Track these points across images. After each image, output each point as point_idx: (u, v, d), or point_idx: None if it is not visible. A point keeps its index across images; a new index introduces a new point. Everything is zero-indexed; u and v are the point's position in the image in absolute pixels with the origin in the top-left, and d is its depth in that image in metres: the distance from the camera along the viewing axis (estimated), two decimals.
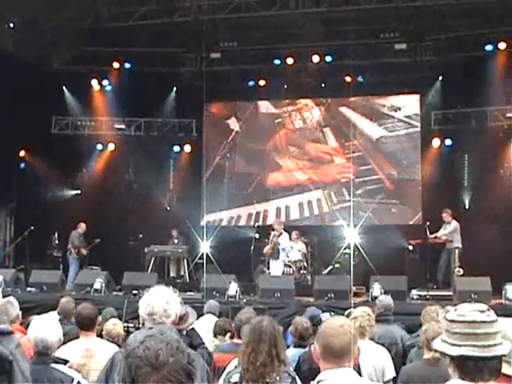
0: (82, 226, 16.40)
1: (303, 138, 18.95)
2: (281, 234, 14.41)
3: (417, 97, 18.05)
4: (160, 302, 3.73)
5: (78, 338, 5.31)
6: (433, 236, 14.20)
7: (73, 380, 4.22)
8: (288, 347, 6.00)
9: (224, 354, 5.53)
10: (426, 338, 4.92)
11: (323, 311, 7.55)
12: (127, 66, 18.17)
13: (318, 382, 2.95)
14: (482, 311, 2.35)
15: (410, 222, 17.42)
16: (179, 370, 1.84)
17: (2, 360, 3.27)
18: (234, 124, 19.43)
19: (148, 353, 1.84)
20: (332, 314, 5.56)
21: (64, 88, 18.34)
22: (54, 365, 4.30)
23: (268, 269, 14.63)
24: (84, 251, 16.35)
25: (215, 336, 6.87)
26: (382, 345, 5.94)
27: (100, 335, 6.10)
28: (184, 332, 4.67)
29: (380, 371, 5.41)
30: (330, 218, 18.28)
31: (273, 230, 15.00)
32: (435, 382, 2.56)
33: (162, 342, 1.87)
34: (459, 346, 2.30)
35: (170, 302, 3.75)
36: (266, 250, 14.51)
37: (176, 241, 17.16)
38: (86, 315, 5.39)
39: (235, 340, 5.88)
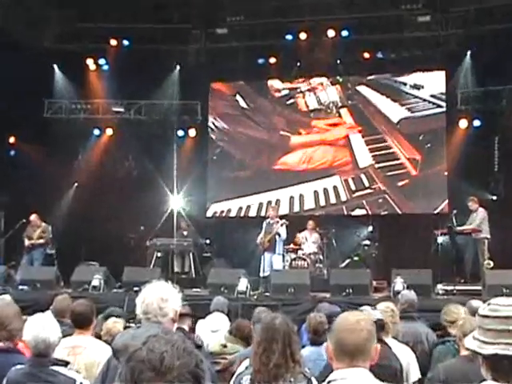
0: (32, 217, 15.95)
1: (317, 119, 18.88)
2: (277, 222, 14.38)
3: (442, 74, 17.92)
4: (155, 299, 3.70)
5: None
6: (461, 229, 14.14)
7: (75, 382, 4.19)
8: (303, 347, 5.99)
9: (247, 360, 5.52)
10: (462, 333, 4.88)
11: (341, 307, 7.52)
12: (126, 43, 18.14)
13: (329, 382, 2.91)
14: None
15: (436, 211, 17.33)
16: (186, 374, 1.78)
17: None
18: (242, 105, 19.39)
19: (152, 356, 1.79)
20: (373, 307, 5.51)
21: (56, 68, 18.33)
22: (53, 367, 4.27)
23: (260, 265, 14.51)
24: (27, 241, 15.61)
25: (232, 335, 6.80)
26: (406, 344, 5.92)
27: (99, 336, 6.09)
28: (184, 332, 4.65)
29: (404, 373, 5.38)
30: (347, 207, 18.22)
31: (264, 217, 15.01)
32: (475, 380, 2.51)
33: (168, 343, 1.82)
34: (492, 343, 2.25)
35: (166, 299, 3.71)
36: (262, 240, 14.40)
37: (185, 232, 17.17)
38: (80, 312, 5.39)
39: None
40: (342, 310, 6.98)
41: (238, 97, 19.40)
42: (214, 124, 19.48)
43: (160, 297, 3.69)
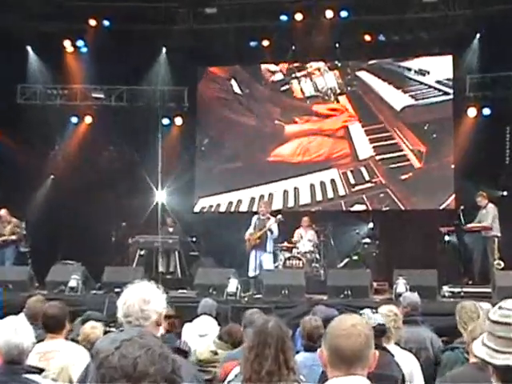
0: (1, 212, 15.73)
1: (314, 107, 18.87)
2: (268, 218, 14.41)
3: (449, 58, 17.92)
4: (136, 300, 3.67)
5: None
6: (470, 226, 14.17)
7: None
8: (297, 352, 5.99)
9: (234, 362, 5.52)
10: (472, 338, 4.88)
11: (339, 311, 7.53)
12: (106, 23, 18.04)
13: None
14: None
15: (441, 207, 17.37)
16: (162, 380, 1.79)
17: None
18: (236, 90, 19.35)
19: (124, 361, 1.78)
20: (374, 311, 5.50)
21: (30, 50, 18.24)
22: (27, 375, 4.22)
23: (249, 263, 14.53)
24: None
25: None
26: (409, 350, 5.93)
27: (76, 341, 6.09)
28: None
29: (407, 382, 5.39)
30: (346, 202, 18.24)
31: (255, 213, 15.01)
32: None
33: (142, 347, 1.82)
34: (503, 352, 2.21)
35: (149, 301, 3.69)
36: (251, 237, 14.40)
37: (171, 229, 17.16)
38: (52, 315, 5.37)
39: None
40: (340, 314, 6.99)
41: (232, 81, 19.37)
42: (203, 111, 19.42)
43: (142, 298, 3.66)
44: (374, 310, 7.52)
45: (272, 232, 14.30)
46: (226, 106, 19.39)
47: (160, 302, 3.74)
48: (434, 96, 18.01)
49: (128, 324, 3.63)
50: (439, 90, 17.99)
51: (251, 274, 14.30)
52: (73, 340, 6.10)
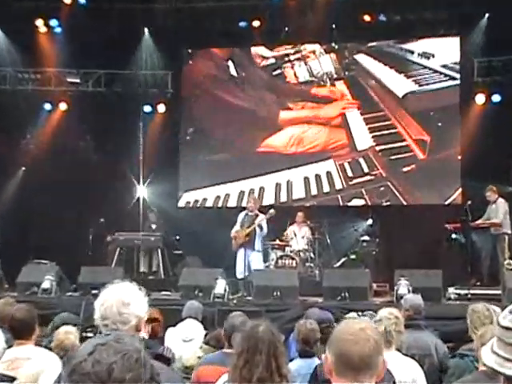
0: None
1: (309, 93, 18.86)
2: (257, 215, 14.41)
3: (456, 40, 17.93)
4: (114, 302, 3.63)
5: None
6: (478, 222, 14.19)
7: None
8: (291, 360, 5.98)
9: (210, 367, 5.51)
10: (482, 344, 4.87)
11: (333, 314, 7.54)
12: (82, 1, 17.98)
13: None
14: None
15: (447, 202, 17.40)
16: None
17: None
18: (230, 73, 19.32)
19: (98, 368, 1.79)
20: (361, 314, 5.51)
21: None
22: None
23: (236, 264, 14.51)
24: None
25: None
26: (412, 357, 5.93)
27: (49, 348, 6.06)
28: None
29: None
30: (343, 197, 18.24)
31: (243, 208, 15.01)
32: None
33: (118, 352, 1.82)
34: None
35: (128, 303, 3.65)
36: (238, 234, 14.41)
37: (153, 226, 17.15)
38: (19, 318, 5.35)
39: (225, 349, 5.86)
40: (336, 318, 6.98)
41: (222, 63, 19.32)
42: (188, 97, 19.38)
43: (121, 300, 3.61)
44: (360, 313, 7.53)
45: (261, 228, 14.28)
46: (213, 91, 19.33)
47: (141, 305, 3.70)
48: (439, 81, 18.02)
49: (104, 328, 3.61)
50: (445, 75, 17.99)
51: (239, 275, 14.28)
52: (46, 347, 6.07)
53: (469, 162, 17.07)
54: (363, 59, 18.61)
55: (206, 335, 7.12)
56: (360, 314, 5.45)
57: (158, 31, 18.38)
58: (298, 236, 15.66)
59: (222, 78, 19.35)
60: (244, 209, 15.16)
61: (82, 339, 7.64)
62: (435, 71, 18.06)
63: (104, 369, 1.77)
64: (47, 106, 19.03)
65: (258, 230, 14.30)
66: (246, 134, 19.11)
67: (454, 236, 14.67)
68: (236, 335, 4.90)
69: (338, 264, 16.07)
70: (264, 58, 19.24)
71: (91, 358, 1.80)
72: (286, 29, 18.47)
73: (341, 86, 18.73)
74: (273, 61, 19.23)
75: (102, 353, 1.81)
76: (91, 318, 3.88)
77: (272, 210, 14.57)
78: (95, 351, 1.82)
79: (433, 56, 18.09)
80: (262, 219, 14.28)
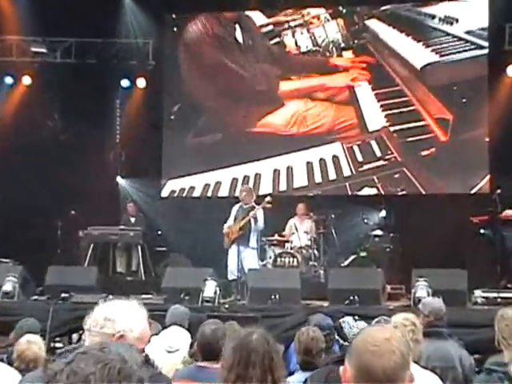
0: None
1: (312, 65, 18.84)
2: (253, 207, 14.38)
3: (483, 2, 17.91)
4: (99, 315, 3.80)
5: None
6: (509, 214, 14.18)
7: None
8: (291, 373, 5.97)
9: (181, 383, 5.52)
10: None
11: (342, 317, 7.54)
12: None
13: None
14: None
15: (473, 190, 17.40)
16: None
17: None
18: (217, 41, 19.27)
19: (74, 379, 1.80)
20: (356, 318, 5.52)
21: None
22: None
23: (227, 263, 14.55)
24: None
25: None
26: (433, 370, 5.90)
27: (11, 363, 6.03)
28: None
29: None
30: (352, 185, 18.24)
31: (237, 201, 14.99)
32: None
33: (98, 362, 1.83)
34: None
35: (110, 318, 3.80)
36: (231, 229, 14.38)
37: (133, 219, 17.15)
38: None
39: (200, 363, 5.86)
40: (338, 325, 6.95)
41: (214, 29, 19.26)
42: (172, 69, 19.30)
43: (105, 314, 3.81)
44: (356, 317, 7.52)
45: (256, 221, 14.22)
46: (207, 58, 19.20)
47: (125, 321, 3.87)
48: (464, 50, 17.97)
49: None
50: (471, 43, 17.94)
51: (230, 276, 14.28)
52: (8, 358, 6.06)
53: (498, 144, 17.07)
54: (375, 25, 18.59)
55: (191, 345, 7.09)
56: (357, 318, 5.43)
57: None
58: (300, 230, 15.66)
59: (214, 45, 19.22)
60: (239, 200, 15.12)
61: (50, 350, 7.62)
62: (459, 39, 18.01)
63: (80, 381, 1.79)
64: (8, 80, 19.00)
65: (252, 222, 14.27)
66: (240, 110, 19.06)
67: (481, 230, 14.65)
68: (226, 345, 4.87)
69: (346, 263, 16.07)
70: (260, 25, 19.17)
71: (68, 368, 1.82)
72: None
73: (349, 56, 18.70)
74: (270, 28, 19.16)
75: (79, 363, 1.82)
76: (61, 325, 3.94)
77: (268, 198, 14.56)
78: (73, 361, 1.83)
79: (456, 21, 18.06)
80: (256, 210, 14.25)
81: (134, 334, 3.88)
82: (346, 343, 8.29)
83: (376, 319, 7.22)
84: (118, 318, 3.82)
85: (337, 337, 8.36)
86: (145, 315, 4.00)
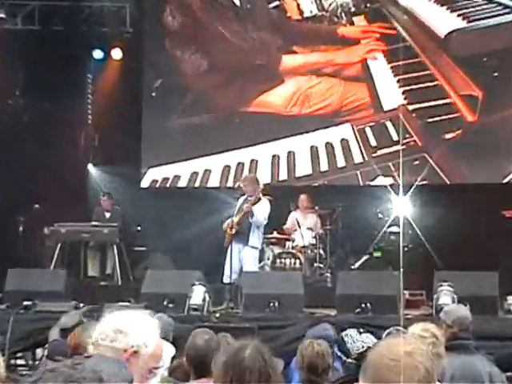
0: None
1: (317, 33, 18.84)
2: (259, 199, 14.23)
3: None
4: (108, 326, 3.93)
5: None
6: None
7: None
8: None
9: None
10: None
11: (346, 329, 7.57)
12: None
13: None
14: None
15: (505, 180, 17.41)
16: None
17: None
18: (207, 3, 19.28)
19: None
20: (362, 330, 5.53)
21: None
22: None
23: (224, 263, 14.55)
24: None
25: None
26: None
27: None
28: None
29: None
30: (364, 174, 18.25)
31: (242, 193, 14.93)
32: None
33: (67, 381, 1.85)
34: None
35: (122, 331, 3.92)
36: (228, 225, 14.37)
37: (107, 214, 17.15)
38: None
39: (192, 381, 5.89)
40: (340, 339, 6.95)
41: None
42: (153, 37, 19.27)
43: (115, 326, 3.91)
44: (361, 330, 7.54)
45: (252, 215, 14.09)
46: (183, 36, 19.20)
47: (140, 335, 3.96)
48: (496, 15, 17.97)
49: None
50: (504, 6, 17.94)
51: (226, 279, 14.25)
52: None
53: None
54: None
55: (173, 358, 7.10)
56: (362, 331, 5.44)
57: None
58: (303, 227, 15.68)
59: (206, 9, 19.15)
60: (242, 194, 14.88)
61: (9, 367, 7.61)
62: (490, 1, 18.01)
63: None
64: None
65: (250, 217, 14.17)
66: (234, 86, 19.02)
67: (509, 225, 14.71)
68: (217, 360, 4.89)
69: (357, 264, 16.10)
70: None
71: None
72: None
73: (360, 22, 18.69)
74: None
75: (46, 381, 1.87)
76: (22, 338, 4.00)
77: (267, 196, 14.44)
78: (41, 379, 1.92)
79: None
80: (250, 202, 14.05)
81: (148, 350, 3.97)
82: (348, 360, 8.30)
83: (387, 330, 7.21)
84: (131, 330, 3.92)
85: (339, 353, 8.36)
86: (158, 328, 4.09)
